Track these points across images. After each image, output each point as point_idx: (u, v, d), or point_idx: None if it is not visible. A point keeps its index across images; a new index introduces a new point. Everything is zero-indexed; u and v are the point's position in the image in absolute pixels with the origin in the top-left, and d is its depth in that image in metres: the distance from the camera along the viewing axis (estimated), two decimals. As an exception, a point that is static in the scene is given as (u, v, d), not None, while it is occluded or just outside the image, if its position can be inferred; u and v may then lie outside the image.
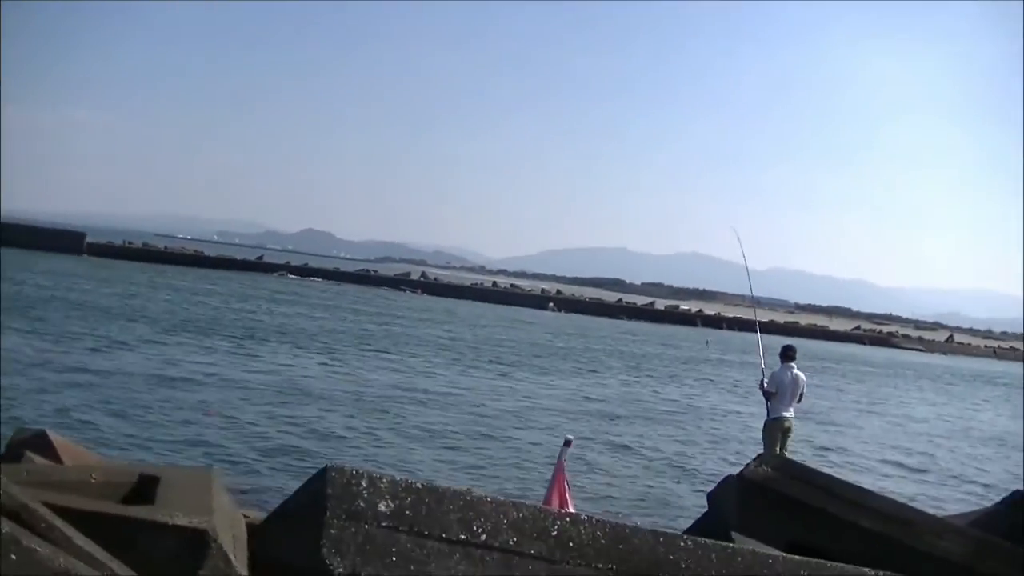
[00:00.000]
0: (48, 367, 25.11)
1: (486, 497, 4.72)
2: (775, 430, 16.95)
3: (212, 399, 23.12)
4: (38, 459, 9.40)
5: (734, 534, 7.84)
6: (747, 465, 10.23)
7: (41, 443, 10.82)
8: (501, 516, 4.60)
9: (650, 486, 18.88)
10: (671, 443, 24.70)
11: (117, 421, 19.38)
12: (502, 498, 4.79)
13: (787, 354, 17.56)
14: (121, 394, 22.45)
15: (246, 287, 76.99)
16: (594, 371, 43.23)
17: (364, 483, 4.48)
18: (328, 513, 4.32)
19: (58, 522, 4.99)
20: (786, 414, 17.04)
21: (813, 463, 14.53)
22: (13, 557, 4.07)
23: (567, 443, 11.21)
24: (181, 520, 6.51)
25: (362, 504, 4.39)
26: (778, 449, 16.26)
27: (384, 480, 4.54)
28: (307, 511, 4.42)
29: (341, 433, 20.81)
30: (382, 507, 4.43)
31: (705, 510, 10.05)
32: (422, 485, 4.62)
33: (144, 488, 7.53)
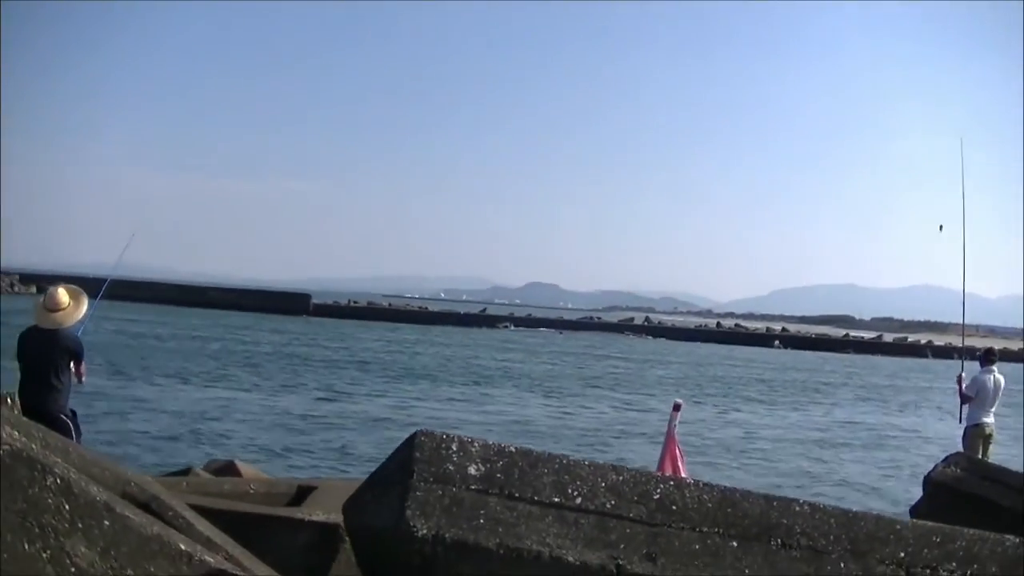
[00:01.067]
0: (269, 413, 26.15)
1: (584, 461, 4.57)
2: (976, 437, 15.90)
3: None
4: (204, 475, 9.73)
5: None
6: (934, 467, 9.70)
7: (229, 469, 11.22)
8: (599, 479, 4.45)
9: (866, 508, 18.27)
10: (889, 468, 23.95)
11: (322, 456, 19.99)
12: (601, 461, 4.63)
13: (989, 357, 16.60)
14: (335, 435, 23.18)
15: (470, 338, 78.16)
16: (816, 403, 42.24)
17: (454, 447, 4.40)
18: (415, 476, 4.26)
19: (187, 513, 5.11)
20: (987, 420, 16.01)
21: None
22: (107, 523, 4.16)
23: (676, 407, 10.83)
24: (318, 516, 6.63)
25: (451, 467, 4.32)
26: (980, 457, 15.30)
27: (476, 444, 4.46)
28: (395, 475, 4.37)
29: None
30: (472, 470, 4.34)
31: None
32: (516, 449, 4.51)
33: (300, 497, 7.71)
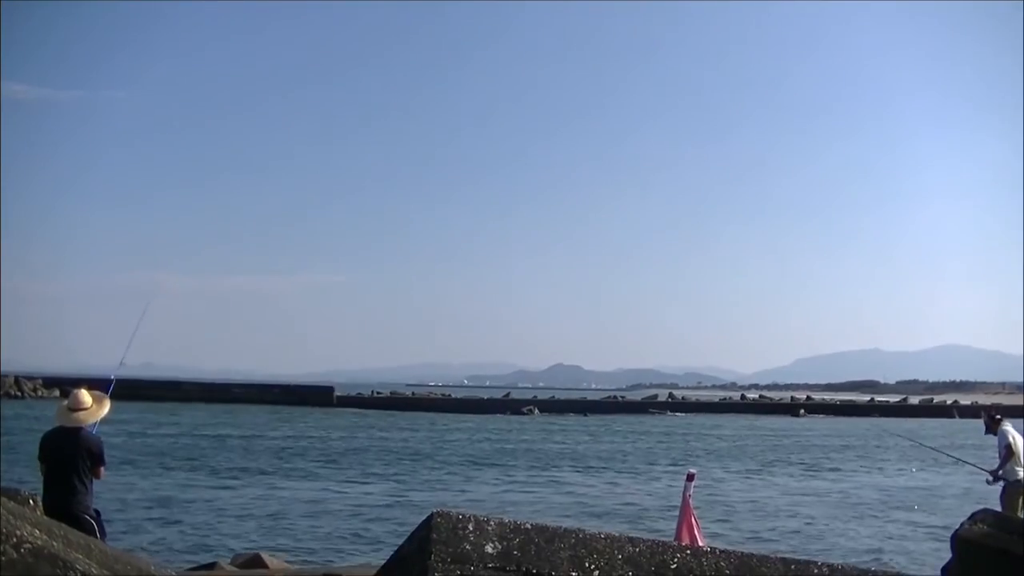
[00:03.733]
0: (301, 504, 26.29)
1: (600, 533, 4.60)
2: (1015, 494, 15.83)
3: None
4: (230, 568, 9.75)
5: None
6: (961, 525, 9.62)
7: (255, 562, 11.25)
8: (616, 551, 4.47)
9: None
10: (920, 527, 23.84)
11: (357, 544, 20.02)
12: (617, 533, 4.65)
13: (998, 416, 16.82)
14: (368, 523, 23.32)
15: (492, 425, 77.89)
16: (838, 468, 42.14)
17: (471, 526, 4.44)
18: (433, 557, 4.29)
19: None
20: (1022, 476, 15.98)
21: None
22: None
23: (690, 477, 11.07)
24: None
25: (468, 547, 4.35)
26: (1019, 514, 15.13)
27: (492, 522, 4.50)
28: (413, 557, 4.40)
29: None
30: (489, 549, 4.37)
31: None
32: (531, 525, 4.54)
33: (325, 583, 7.73)
